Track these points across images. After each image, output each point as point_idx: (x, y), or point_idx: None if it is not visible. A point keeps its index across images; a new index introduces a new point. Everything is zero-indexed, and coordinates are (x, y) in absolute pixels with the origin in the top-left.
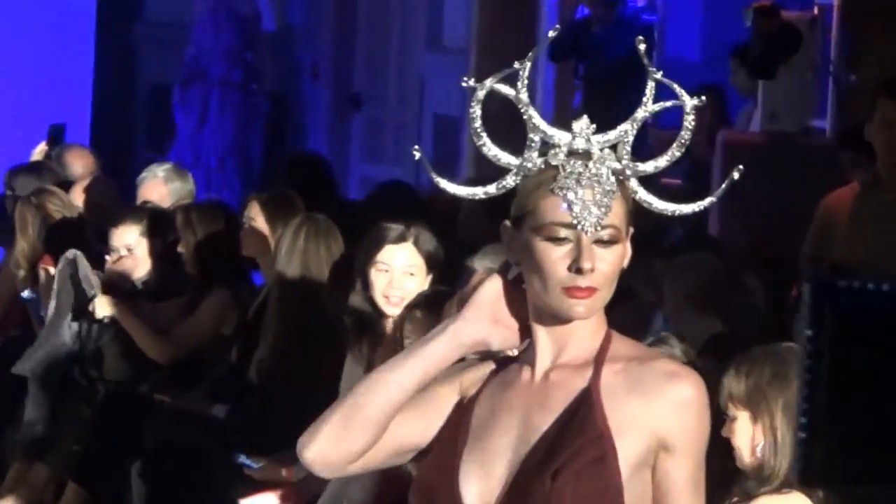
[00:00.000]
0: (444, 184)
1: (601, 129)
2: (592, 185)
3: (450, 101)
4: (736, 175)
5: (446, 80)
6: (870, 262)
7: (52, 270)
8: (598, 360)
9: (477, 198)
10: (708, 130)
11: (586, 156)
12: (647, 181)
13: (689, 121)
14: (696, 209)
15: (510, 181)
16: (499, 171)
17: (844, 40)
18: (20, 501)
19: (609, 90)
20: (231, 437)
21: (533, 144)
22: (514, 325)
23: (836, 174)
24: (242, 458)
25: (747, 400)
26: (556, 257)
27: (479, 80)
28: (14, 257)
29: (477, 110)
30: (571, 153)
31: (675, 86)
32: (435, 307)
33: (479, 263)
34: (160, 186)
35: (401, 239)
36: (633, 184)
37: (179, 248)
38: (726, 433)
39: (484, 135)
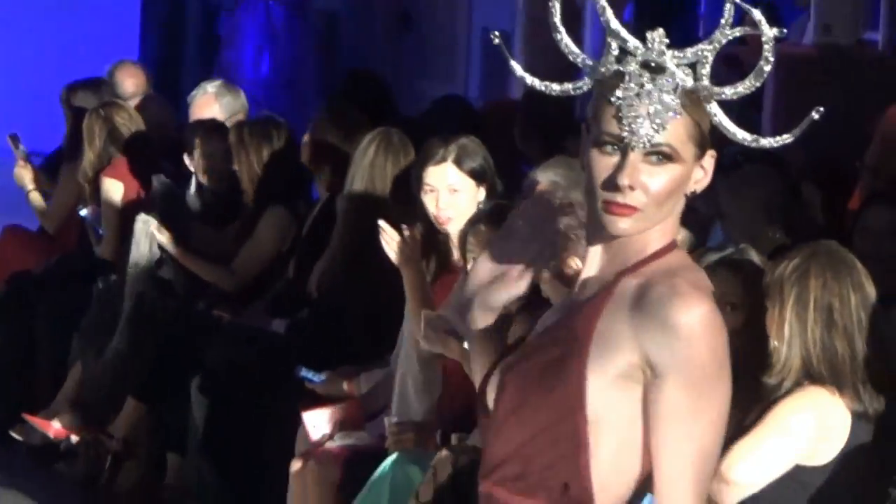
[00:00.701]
0: (523, 74)
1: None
2: (652, 99)
3: (498, 15)
4: (816, 116)
5: None
6: None
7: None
8: (625, 271)
9: (554, 93)
10: (754, 43)
11: (659, 70)
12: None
13: (768, 51)
14: (776, 144)
15: (585, 83)
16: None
17: None
18: (76, 416)
19: (661, 7)
20: (291, 351)
21: (611, 49)
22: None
23: (889, 86)
24: (303, 372)
25: (768, 291)
26: (601, 168)
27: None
28: (82, 169)
29: (556, 3)
30: (645, 65)
31: (755, 12)
32: (498, 220)
33: (543, 176)
34: (212, 102)
35: (441, 160)
36: (714, 107)
37: (234, 167)
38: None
39: (562, 29)
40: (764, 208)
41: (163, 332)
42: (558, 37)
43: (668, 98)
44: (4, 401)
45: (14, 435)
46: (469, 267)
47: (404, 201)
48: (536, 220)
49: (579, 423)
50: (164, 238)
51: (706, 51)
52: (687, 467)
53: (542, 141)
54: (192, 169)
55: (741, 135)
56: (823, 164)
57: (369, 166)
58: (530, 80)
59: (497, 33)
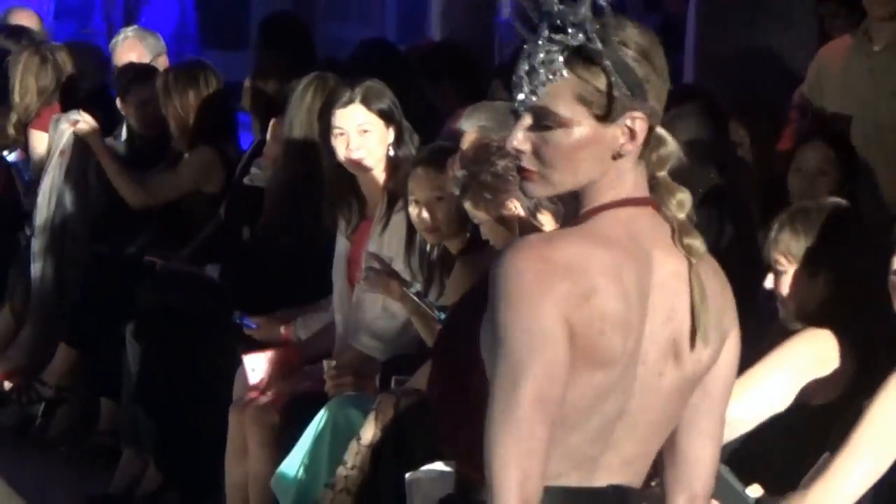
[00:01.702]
0: None
1: None
2: (531, 60)
3: None
4: None
5: None
6: (860, 114)
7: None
8: None
9: None
10: None
11: (559, 29)
12: None
13: None
14: None
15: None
16: (463, 31)
17: None
18: (7, 363)
19: None
20: (226, 296)
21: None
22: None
23: (814, 26)
24: (240, 317)
25: (808, 255)
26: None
27: None
28: (12, 117)
29: None
30: (551, 25)
31: None
32: (437, 163)
33: (468, 123)
34: (136, 45)
35: (348, 101)
36: (609, 66)
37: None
38: (772, 285)
39: None
40: (695, 148)
41: (91, 277)
42: None
43: (549, 58)
44: None
45: None
46: (413, 211)
47: None
48: (473, 165)
49: None
50: (86, 125)
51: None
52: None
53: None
54: (123, 114)
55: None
56: (749, 101)
57: (307, 111)
58: None
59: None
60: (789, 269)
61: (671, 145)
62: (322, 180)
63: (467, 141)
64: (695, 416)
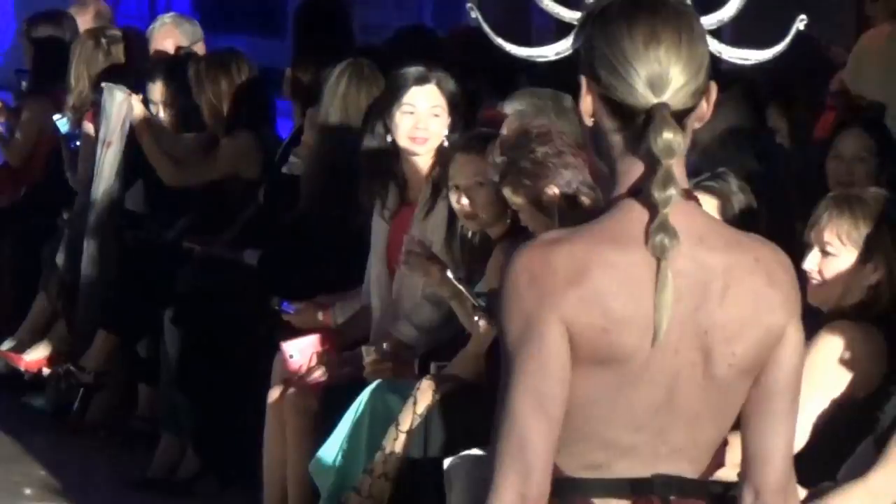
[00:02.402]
0: (506, 45)
1: None
2: None
3: None
4: (801, 26)
5: None
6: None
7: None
8: None
9: (545, 59)
10: None
11: None
12: None
13: None
14: (767, 57)
15: (571, 43)
16: (499, 17)
17: None
18: (50, 346)
19: None
20: (264, 281)
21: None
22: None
23: (852, 10)
24: (279, 303)
25: (866, 242)
26: None
27: None
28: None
29: None
30: None
31: None
32: (476, 149)
33: (510, 107)
34: (173, 31)
35: (424, 80)
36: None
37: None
38: (816, 265)
39: None
40: (733, 134)
41: (130, 263)
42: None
43: None
44: None
45: None
46: (452, 197)
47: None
48: (513, 151)
49: None
50: (137, 105)
51: None
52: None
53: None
54: (152, 100)
55: (730, 52)
56: (785, 88)
57: (342, 98)
58: (516, 50)
59: (472, 5)
60: (842, 253)
61: (668, 134)
62: (358, 166)
63: (507, 127)
64: (754, 411)
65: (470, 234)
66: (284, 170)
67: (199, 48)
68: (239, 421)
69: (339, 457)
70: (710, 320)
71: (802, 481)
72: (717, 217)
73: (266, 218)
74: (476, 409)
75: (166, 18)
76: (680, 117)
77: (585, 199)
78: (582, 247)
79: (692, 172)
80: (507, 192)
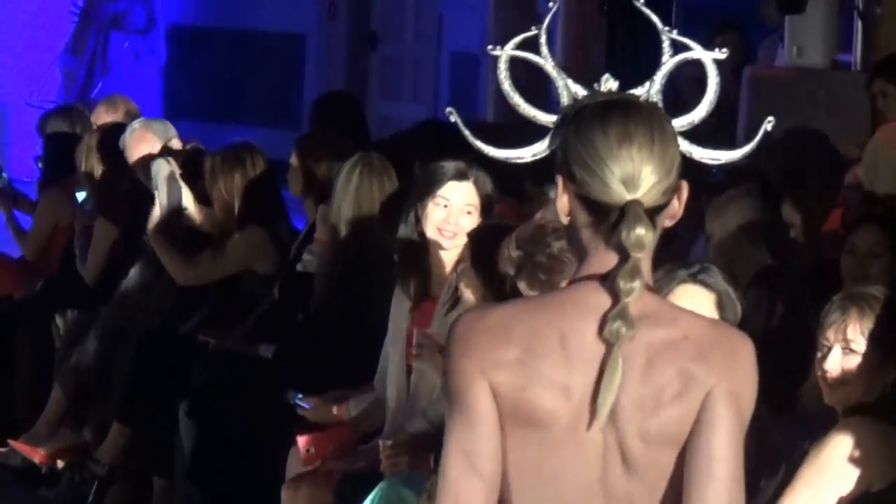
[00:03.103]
0: (484, 147)
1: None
2: None
3: (467, 38)
4: (768, 127)
5: (464, 16)
6: None
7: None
8: None
9: (521, 160)
10: (732, 66)
11: None
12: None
13: (714, 75)
14: (736, 157)
15: (547, 145)
16: (515, 111)
17: None
18: (67, 441)
19: (634, 29)
20: (279, 375)
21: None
22: None
23: (863, 106)
24: (294, 398)
25: (884, 342)
26: None
27: (497, 18)
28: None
29: (504, 73)
30: None
31: (691, 42)
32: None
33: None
34: (145, 135)
35: (463, 177)
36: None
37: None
38: (839, 364)
39: (516, 95)
40: (748, 229)
41: (145, 356)
42: (513, 101)
43: None
44: None
45: None
46: (462, 294)
47: (392, 224)
48: (529, 245)
49: None
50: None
51: (651, 87)
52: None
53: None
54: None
55: (700, 153)
56: (799, 184)
57: (355, 192)
58: (493, 152)
59: (451, 110)
60: (861, 351)
61: (640, 230)
62: (371, 261)
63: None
64: (686, 484)
65: None
66: (299, 267)
67: (175, 144)
68: None
69: None
70: (628, 397)
71: None
72: (710, 310)
73: (281, 313)
74: None
75: (135, 125)
76: (652, 214)
77: None
78: (520, 310)
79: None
80: (522, 285)
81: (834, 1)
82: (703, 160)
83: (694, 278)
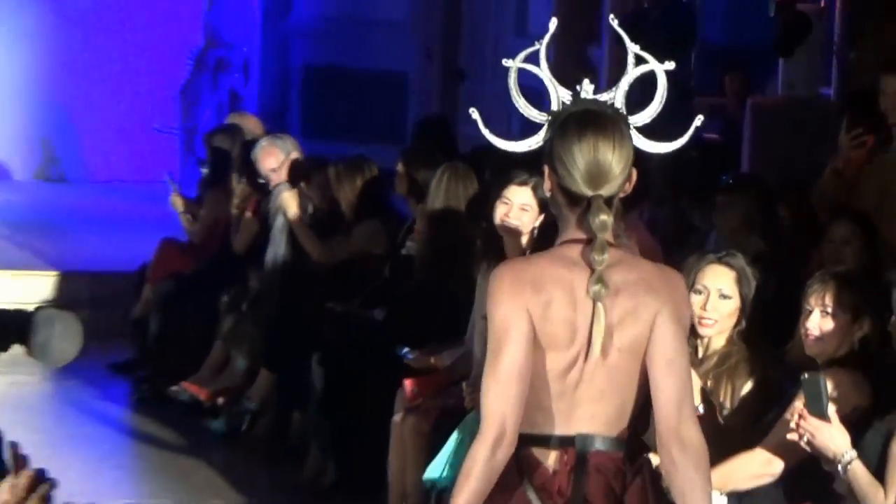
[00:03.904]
0: (492, 138)
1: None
2: None
3: (533, 76)
4: (699, 122)
5: (530, 59)
6: (876, 207)
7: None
8: None
9: (520, 150)
10: (738, 96)
11: None
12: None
13: (663, 82)
14: (671, 149)
15: (540, 140)
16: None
17: (845, 26)
18: (225, 383)
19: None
20: (389, 334)
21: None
22: None
23: (838, 130)
24: (401, 350)
25: (856, 305)
26: None
27: (556, 60)
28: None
29: (513, 80)
30: None
31: (648, 56)
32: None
33: None
34: (272, 150)
35: (523, 183)
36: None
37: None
38: (817, 324)
39: (520, 97)
40: (746, 222)
41: (286, 317)
42: (518, 102)
43: None
44: (165, 368)
45: (171, 394)
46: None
47: (474, 217)
48: None
49: None
50: (292, 204)
51: (617, 92)
52: None
53: None
54: (308, 196)
55: (643, 144)
56: (793, 188)
57: (445, 192)
58: (496, 141)
59: (474, 109)
60: (838, 314)
61: (603, 217)
62: (458, 247)
63: None
64: (650, 379)
65: None
66: (403, 251)
67: (295, 155)
68: (370, 440)
69: (446, 469)
70: (612, 322)
71: (804, 493)
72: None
73: (390, 286)
74: None
75: (263, 142)
76: (611, 201)
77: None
78: (543, 265)
79: (715, 250)
80: None
81: (817, 47)
82: (647, 150)
83: (720, 260)
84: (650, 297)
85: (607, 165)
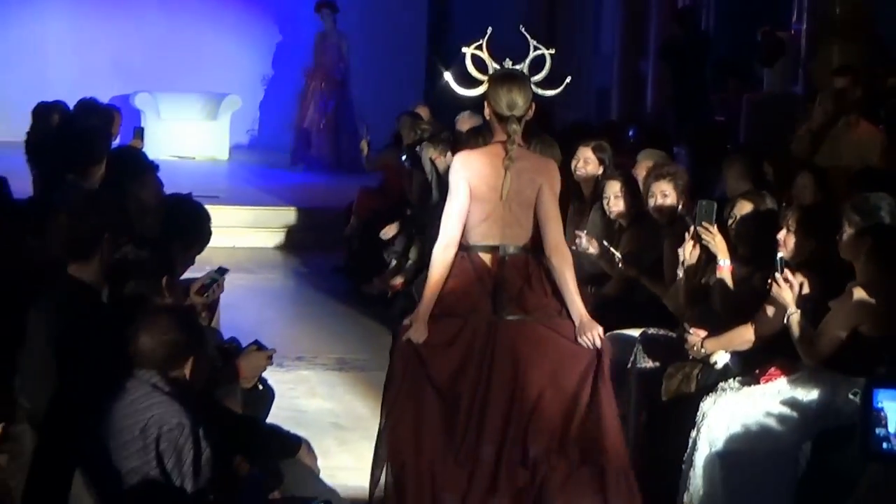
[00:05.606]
0: (455, 87)
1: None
2: None
3: (604, 75)
4: (567, 81)
5: (602, 70)
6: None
7: None
8: None
9: (474, 95)
10: (737, 93)
11: None
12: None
13: (548, 61)
14: (553, 94)
15: (484, 89)
16: None
17: (808, 45)
18: (397, 281)
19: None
20: None
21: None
22: None
23: (805, 114)
24: None
25: (811, 230)
26: None
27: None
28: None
29: (470, 66)
30: None
31: (542, 47)
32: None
33: (643, 156)
34: (470, 119)
35: (587, 145)
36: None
37: None
38: (782, 238)
39: (454, 83)
40: (742, 178)
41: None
42: (452, 85)
43: None
44: (360, 270)
45: (366, 288)
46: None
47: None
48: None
49: None
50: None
51: (524, 64)
52: None
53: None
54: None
55: (541, 93)
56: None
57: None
58: (456, 88)
59: (445, 71)
60: (799, 232)
61: (514, 126)
62: None
63: (641, 166)
64: (539, 221)
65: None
66: None
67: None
68: None
69: None
70: (516, 186)
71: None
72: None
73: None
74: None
75: (465, 114)
76: (521, 118)
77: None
78: (487, 154)
79: (724, 198)
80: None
81: (789, 58)
82: (539, 93)
83: (745, 196)
84: (537, 175)
85: (517, 99)
